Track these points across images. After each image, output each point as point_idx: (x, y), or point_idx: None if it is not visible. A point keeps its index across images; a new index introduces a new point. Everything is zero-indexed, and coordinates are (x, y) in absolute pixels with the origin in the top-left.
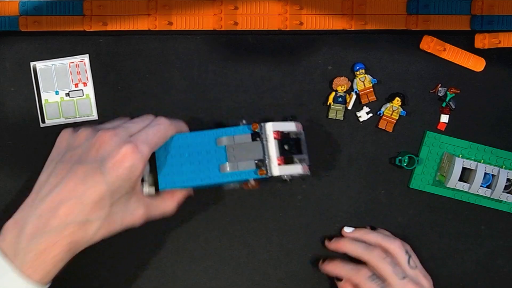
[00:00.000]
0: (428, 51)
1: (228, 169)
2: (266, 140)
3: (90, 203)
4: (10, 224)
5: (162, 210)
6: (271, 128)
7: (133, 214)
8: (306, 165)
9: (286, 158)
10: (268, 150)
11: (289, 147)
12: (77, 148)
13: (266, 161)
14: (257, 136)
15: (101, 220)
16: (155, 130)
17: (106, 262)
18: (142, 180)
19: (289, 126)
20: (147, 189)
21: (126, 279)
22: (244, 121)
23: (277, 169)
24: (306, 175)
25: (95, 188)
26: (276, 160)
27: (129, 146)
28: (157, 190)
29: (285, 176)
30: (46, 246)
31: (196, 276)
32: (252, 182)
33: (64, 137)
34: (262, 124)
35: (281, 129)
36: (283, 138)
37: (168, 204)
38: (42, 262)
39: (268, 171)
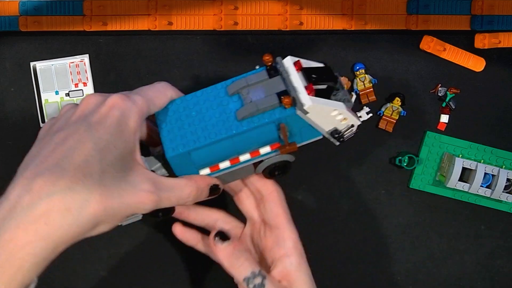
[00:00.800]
0: (428, 51)
1: (246, 113)
2: (287, 73)
3: (71, 169)
4: None
5: (177, 193)
6: (290, 62)
7: (136, 189)
8: (350, 107)
9: (317, 85)
10: (292, 81)
11: (318, 76)
12: (60, 118)
13: (291, 93)
14: (274, 71)
15: (89, 191)
16: (151, 86)
17: (106, 262)
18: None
19: (315, 64)
20: None
21: (126, 279)
22: (257, 66)
23: (307, 98)
24: (357, 126)
25: (77, 147)
26: (303, 89)
27: (117, 95)
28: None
29: (330, 126)
30: (11, 236)
31: (196, 276)
32: (287, 143)
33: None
34: (278, 58)
35: (304, 65)
36: (308, 71)
37: (184, 186)
38: (6, 261)
39: (297, 102)
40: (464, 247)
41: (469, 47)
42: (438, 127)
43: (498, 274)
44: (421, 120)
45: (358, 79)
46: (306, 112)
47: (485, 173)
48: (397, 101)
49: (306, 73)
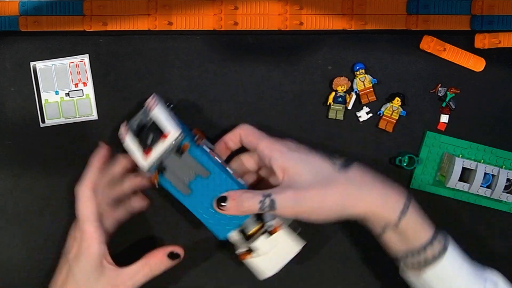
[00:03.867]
0: (428, 51)
1: (191, 180)
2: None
3: None
4: None
5: (132, 281)
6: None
7: None
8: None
9: (146, 145)
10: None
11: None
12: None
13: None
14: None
15: None
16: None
17: None
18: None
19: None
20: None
21: None
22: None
23: (143, 163)
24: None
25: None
26: (140, 154)
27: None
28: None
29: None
30: None
31: (196, 276)
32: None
33: None
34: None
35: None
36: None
37: (136, 273)
38: None
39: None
40: (464, 247)
41: (469, 47)
42: (438, 127)
43: None
44: (421, 120)
45: (358, 79)
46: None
47: (485, 173)
48: (397, 101)
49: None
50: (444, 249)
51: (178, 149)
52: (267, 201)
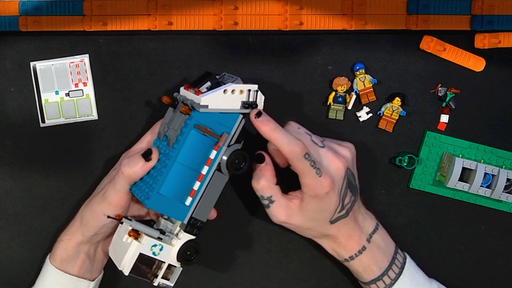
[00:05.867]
0: (428, 51)
1: (171, 138)
2: (183, 97)
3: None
4: None
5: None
6: (182, 88)
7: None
8: (239, 82)
9: (202, 86)
10: (187, 97)
11: (199, 81)
12: None
13: (188, 103)
14: (176, 103)
15: None
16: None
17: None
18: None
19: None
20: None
21: (126, 279)
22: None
23: (197, 97)
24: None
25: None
26: (193, 95)
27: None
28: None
29: (236, 103)
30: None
31: (196, 276)
32: (218, 136)
33: None
34: (175, 94)
35: (191, 82)
36: (194, 83)
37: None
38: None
39: (196, 105)
40: (464, 247)
41: (469, 47)
42: (438, 127)
43: (498, 274)
44: (421, 120)
45: (358, 79)
46: (205, 106)
47: (485, 173)
48: (397, 101)
49: (193, 86)
50: (398, 275)
51: (191, 108)
52: (266, 202)
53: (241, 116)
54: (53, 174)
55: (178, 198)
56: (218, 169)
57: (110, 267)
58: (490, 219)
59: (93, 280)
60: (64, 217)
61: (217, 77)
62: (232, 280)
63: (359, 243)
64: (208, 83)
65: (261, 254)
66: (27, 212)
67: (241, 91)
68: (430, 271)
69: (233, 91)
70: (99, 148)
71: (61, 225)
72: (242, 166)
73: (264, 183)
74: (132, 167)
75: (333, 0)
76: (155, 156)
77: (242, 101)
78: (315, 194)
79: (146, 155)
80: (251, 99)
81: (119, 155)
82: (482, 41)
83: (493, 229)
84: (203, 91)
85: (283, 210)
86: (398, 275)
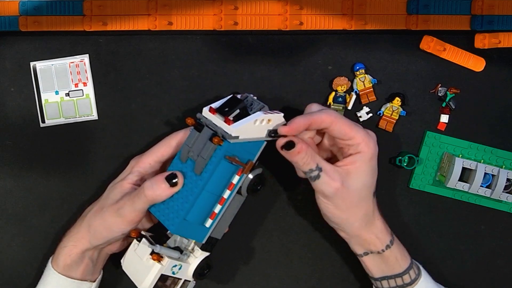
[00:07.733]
0: (428, 51)
1: (199, 167)
2: (209, 120)
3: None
4: None
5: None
6: (206, 111)
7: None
8: (267, 110)
9: (232, 114)
10: (214, 124)
11: (228, 107)
12: None
13: (218, 132)
14: (200, 126)
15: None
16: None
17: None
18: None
19: (224, 100)
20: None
21: (126, 279)
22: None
23: (229, 128)
24: (282, 125)
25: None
26: (223, 122)
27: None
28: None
29: (263, 132)
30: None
31: None
32: (243, 165)
33: None
34: (198, 114)
35: (216, 106)
36: (221, 108)
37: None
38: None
39: (226, 135)
40: (464, 247)
41: (469, 47)
42: (438, 127)
43: (498, 274)
44: (421, 120)
45: (358, 79)
46: (236, 137)
47: (485, 173)
48: (397, 101)
49: (220, 111)
50: (417, 276)
51: (214, 135)
52: (315, 172)
53: (265, 143)
54: (53, 174)
55: (200, 222)
56: (238, 191)
57: (110, 267)
58: (490, 219)
59: (94, 281)
60: (64, 217)
61: (242, 99)
62: (232, 280)
63: (390, 232)
64: (238, 111)
65: (261, 254)
66: (27, 212)
67: (269, 120)
68: (430, 271)
69: (262, 120)
70: (99, 148)
71: (61, 225)
72: (259, 188)
73: (304, 155)
74: (156, 190)
75: (333, 0)
76: (180, 181)
77: (268, 130)
78: (367, 150)
79: (170, 179)
80: (275, 127)
81: (119, 155)
82: (482, 41)
83: (493, 229)
84: (230, 118)
85: (337, 175)
86: (419, 269)
